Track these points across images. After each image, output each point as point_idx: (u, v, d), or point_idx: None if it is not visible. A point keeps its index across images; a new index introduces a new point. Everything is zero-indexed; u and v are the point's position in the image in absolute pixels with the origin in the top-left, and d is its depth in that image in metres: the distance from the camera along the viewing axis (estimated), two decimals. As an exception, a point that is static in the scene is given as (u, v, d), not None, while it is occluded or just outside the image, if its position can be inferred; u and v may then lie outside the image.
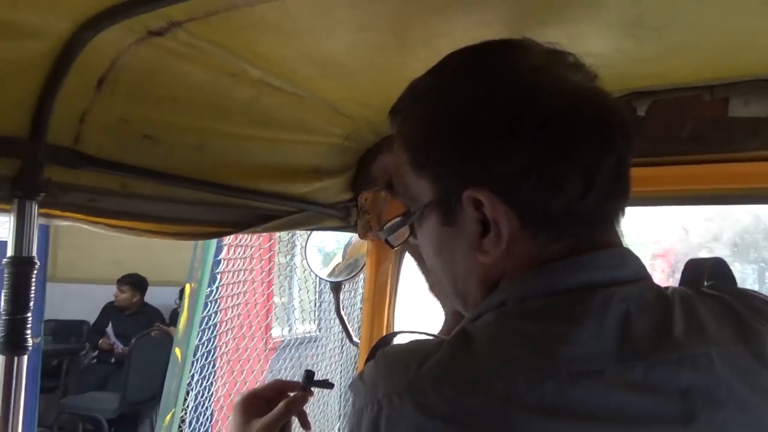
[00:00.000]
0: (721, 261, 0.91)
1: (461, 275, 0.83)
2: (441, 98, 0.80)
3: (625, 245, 0.82)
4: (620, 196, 0.80)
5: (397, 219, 0.88)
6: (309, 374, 1.21)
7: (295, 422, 1.22)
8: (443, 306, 1.46)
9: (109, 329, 6.97)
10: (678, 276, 0.93)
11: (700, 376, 0.72)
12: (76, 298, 7.71)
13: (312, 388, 1.21)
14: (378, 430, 0.68)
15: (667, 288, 0.81)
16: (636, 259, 0.81)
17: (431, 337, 0.77)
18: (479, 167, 0.76)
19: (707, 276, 0.89)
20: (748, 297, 0.84)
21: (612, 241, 0.80)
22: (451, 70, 0.82)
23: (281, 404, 1.14)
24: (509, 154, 0.74)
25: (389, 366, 0.73)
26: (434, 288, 1.52)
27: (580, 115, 0.75)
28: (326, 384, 1.26)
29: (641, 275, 0.80)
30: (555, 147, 0.74)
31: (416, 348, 0.74)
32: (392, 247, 0.94)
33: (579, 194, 0.75)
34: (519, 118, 0.75)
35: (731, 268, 0.97)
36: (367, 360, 0.76)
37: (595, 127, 0.76)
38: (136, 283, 7.18)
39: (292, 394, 1.18)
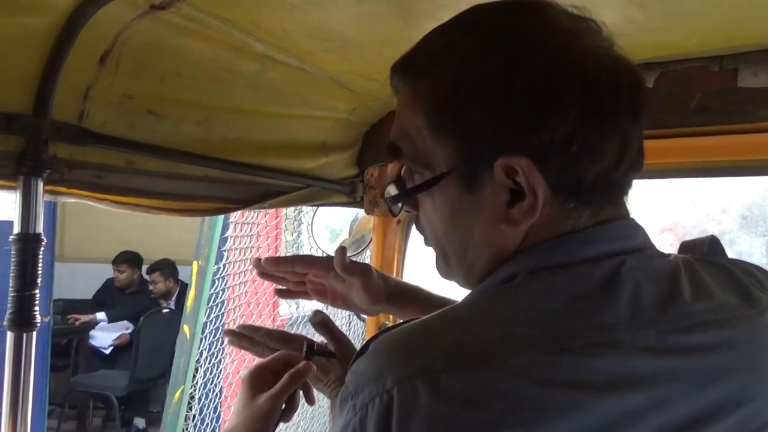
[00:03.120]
0: (714, 238, 0.91)
1: (474, 245, 0.79)
2: (472, 56, 0.74)
3: (631, 217, 0.82)
4: (640, 167, 0.78)
5: (410, 185, 0.82)
6: (310, 345, 1.22)
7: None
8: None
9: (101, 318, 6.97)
10: (680, 243, 0.93)
11: (711, 341, 0.73)
12: (84, 278, 7.73)
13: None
14: (389, 425, 0.65)
15: (669, 255, 0.81)
16: (642, 229, 0.81)
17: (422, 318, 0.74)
18: (517, 133, 0.71)
19: (705, 253, 0.88)
20: (744, 264, 0.86)
21: (622, 213, 0.80)
22: (481, 27, 0.76)
23: (285, 376, 1.15)
24: (552, 121, 0.70)
25: (393, 353, 0.70)
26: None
27: (621, 87, 0.73)
28: (328, 353, 1.26)
29: (648, 244, 0.80)
30: (596, 117, 0.71)
31: (418, 330, 0.72)
32: (394, 215, 0.91)
33: (615, 163, 0.73)
34: (561, 82, 0.71)
35: (739, 241, 0.97)
36: (356, 358, 0.72)
37: (632, 101, 0.73)
38: (131, 259, 7.15)
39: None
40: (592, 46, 0.74)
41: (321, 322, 1.31)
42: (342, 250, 1.34)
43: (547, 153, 0.71)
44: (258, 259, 1.41)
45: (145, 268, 7.19)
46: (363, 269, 1.36)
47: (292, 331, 1.41)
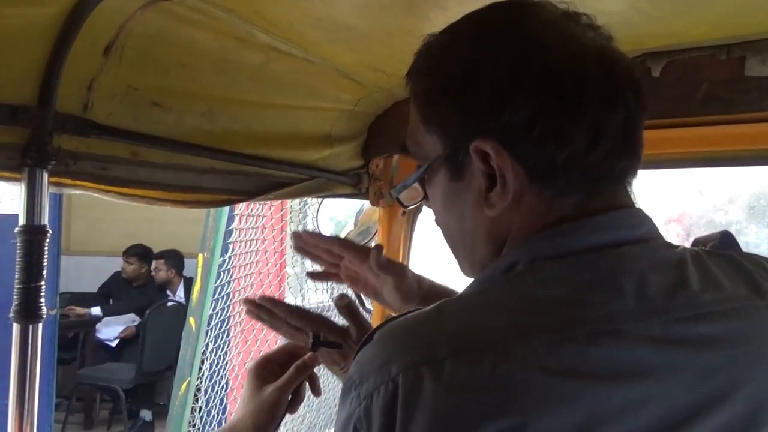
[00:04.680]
0: (727, 233, 0.91)
1: (469, 231, 0.82)
2: (448, 53, 0.80)
3: (638, 207, 0.81)
4: (630, 156, 0.78)
5: (409, 178, 0.87)
6: (316, 336, 1.22)
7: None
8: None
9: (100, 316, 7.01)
10: (693, 239, 0.93)
11: (718, 332, 0.73)
12: (90, 271, 7.75)
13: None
14: (393, 413, 0.65)
15: (677, 246, 0.81)
16: (649, 220, 0.80)
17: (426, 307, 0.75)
18: (484, 119, 0.75)
19: (716, 246, 0.88)
20: (755, 256, 0.85)
21: (625, 202, 0.79)
22: (462, 27, 0.81)
23: (292, 368, 1.15)
24: (513, 105, 0.74)
25: (398, 342, 0.70)
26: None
27: (586, 70, 0.74)
28: (334, 344, 1.26)
29: (654, 235, 0.79)
30: (559, 99, 0.73)
31: (423, 319, 0.73)
32: (404, 207, 0.93)
33: (585, 147, 0.74)
34: (522, 69, 0.74)
35: (746, 231, 0.96)
36: (360, 347, 0.73)
37: (602, 83, 0.74)
38: (142, 253, 7.18)
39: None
40: (564, 35, 0.76)
41: (347, 305, 1.31)
42: (379, 248, 1.35)
43: (512, 136, 0.74)
44: (298, 233, 1.42)
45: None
46: (399, 269, 1.37)
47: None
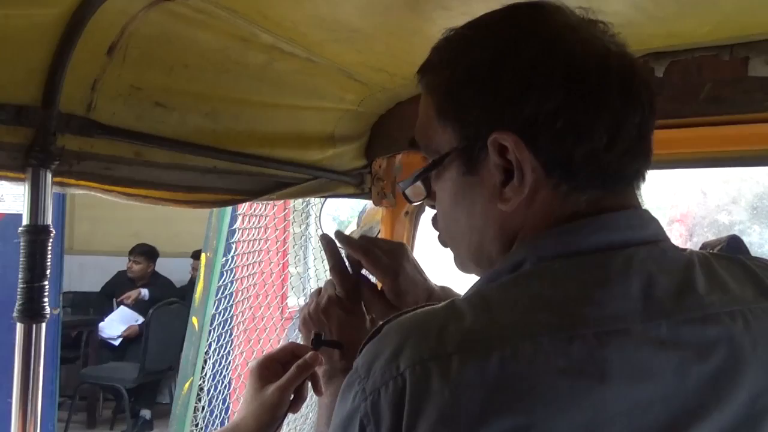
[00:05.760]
0: (735, 237, 0.91)
1: (478, 227, 0.82)
2: (471, 45, 0.80)
3: (644, 208, 0.81)
4: (643, 156, 0.79)
5: (418, 171, 0.86)
6: (317, 336, 1.22)
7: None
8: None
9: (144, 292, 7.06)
10: (696, 239, 0.93)
11: (725, 333, 0.73)
12: (94, 270, 7.76)
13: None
14: (401, 408, 0.65)
15: (684, 249, 0.81)
16: (655, 221, 0.80)
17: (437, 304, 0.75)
18: (505, 111, 0.75)
19: (723, 249, 0.88)
20: (763, 260, 0.85)
21: (632, 203, 0.80)
22: (484, 22, 0.81)
23: (293, 367, 1.15)
24: (535, 98, 0.74)
25: (406, 336, 0.70)
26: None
27: (608, 69, 0.75)
28: (335, 344, 1.26)
29: (661, 236, 0.79)
30: (581, 95, 0.74)
31: (431, 315, 0.72)
32: (410, 202, 0.93)
33: (604, 144, 0.74)
34: (546, 64, 0.74)
35: (749, 231, 0.96)
36: (368, 341, 0.73)
37: (622, 83, 0.75)
38: (148, 252, 7.21)
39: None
40: (586, 36, 0.77)
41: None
42: None
43: (533, 129, 0.74)
44: None
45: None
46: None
47: (300, 325, 1.38)
